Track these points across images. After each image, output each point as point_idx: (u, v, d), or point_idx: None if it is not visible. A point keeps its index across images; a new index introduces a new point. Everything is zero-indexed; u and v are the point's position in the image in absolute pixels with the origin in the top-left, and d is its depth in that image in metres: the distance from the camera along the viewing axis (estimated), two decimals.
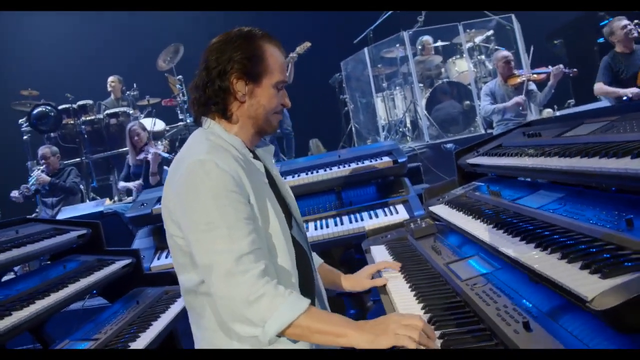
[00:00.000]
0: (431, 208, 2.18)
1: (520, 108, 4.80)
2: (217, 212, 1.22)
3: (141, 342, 1.83)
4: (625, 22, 4.52)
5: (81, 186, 5.81)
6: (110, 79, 6.77)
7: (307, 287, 1.51)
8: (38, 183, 5.32)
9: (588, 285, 0.86)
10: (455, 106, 6.30)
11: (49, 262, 2.59)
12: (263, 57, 1.36)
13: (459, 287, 1.41)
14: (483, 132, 5.74)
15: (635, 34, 4.47)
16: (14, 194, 5.45)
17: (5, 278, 2.51)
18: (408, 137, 6.55)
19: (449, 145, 5.41)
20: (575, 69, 4.84)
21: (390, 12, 6.62)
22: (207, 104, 1.39)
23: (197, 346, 1.42)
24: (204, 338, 1.39)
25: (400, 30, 6.32)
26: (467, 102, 6.28)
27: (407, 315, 1.23)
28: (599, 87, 4.65)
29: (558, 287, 0.94)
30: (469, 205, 1.91)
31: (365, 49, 6.67)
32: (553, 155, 1.41)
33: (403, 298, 1.52)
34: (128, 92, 6.79)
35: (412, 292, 1.55)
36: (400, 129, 6.62)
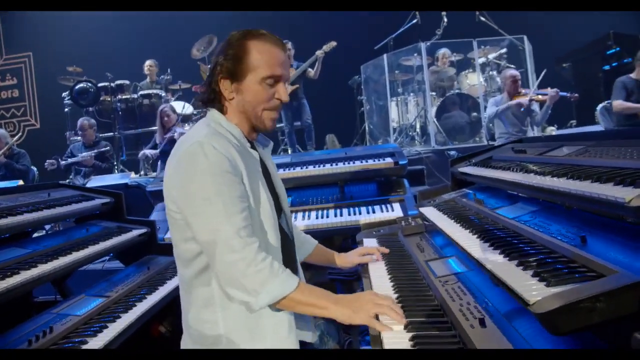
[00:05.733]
0: (421, 209, 2.21)
1: (522, 109, 4.77)
2: (213, 189, 1.24)
3: (147, 304, 1.90)
4: None
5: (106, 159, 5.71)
6: (147, 62, 6.87)
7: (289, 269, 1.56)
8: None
9: (534, 291, 0.90)
10: (463, 116, 6.29)
11: (74, 225, 2.69)
12: (246, 56, 1.35)
13: (432, 282, 1.46)
14: (486, 143, 5.73)
15: None
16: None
17: (35, 235, 2.61)
18: (416, 141, 6.57)
19: (452, 152, 5.40)
20: (576, 94, 4.78)
21: (412, 23, 6.62)
22: (207, 102, 1.44)
23: (184, 315, 1.43)
24: (189, 311, 1.40)
25: (419, 41, 6.31)
26: (475, 114, 6.26)
27: (380, 294, 1.31)
28: (619, 103, 4.62)
29: (510, 290, 0.98)
30: (454, 210, 1.94)
31: (385, 56, 6.68)
32: (530, 172, 1.43)
33: (381, 287, 1.56)
34: (162, 76, 6.89)
35: (390, 282, 1.59)
36: (410, 133, 6.64)
